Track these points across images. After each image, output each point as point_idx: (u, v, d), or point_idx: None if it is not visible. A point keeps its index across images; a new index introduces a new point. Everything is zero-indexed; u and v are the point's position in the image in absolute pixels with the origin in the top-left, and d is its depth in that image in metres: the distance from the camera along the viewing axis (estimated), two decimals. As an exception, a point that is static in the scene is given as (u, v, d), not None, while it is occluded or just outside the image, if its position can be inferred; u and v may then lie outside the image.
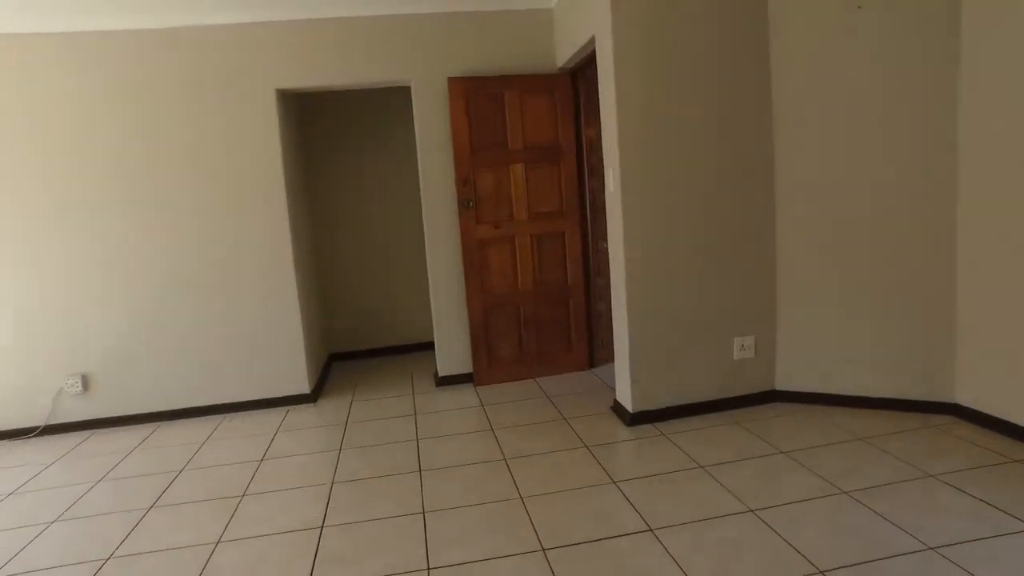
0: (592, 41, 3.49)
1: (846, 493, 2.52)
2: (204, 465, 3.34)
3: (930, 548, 2.14)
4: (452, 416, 3.79)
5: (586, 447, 3.16)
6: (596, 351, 4.53)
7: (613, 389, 3.96)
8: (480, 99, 4.09)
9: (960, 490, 2.49)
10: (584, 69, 4.18)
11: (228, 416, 4.10)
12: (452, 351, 4.37)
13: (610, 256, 3.51)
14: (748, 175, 3.40)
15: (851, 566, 2.07)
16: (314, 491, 2.92)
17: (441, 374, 4.39)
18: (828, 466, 2.77)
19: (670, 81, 3.25)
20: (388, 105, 5.21)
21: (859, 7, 3.10)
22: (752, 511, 2.45)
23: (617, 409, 3.57)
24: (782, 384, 3.57)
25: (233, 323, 4.12)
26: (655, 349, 3.39)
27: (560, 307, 4.38)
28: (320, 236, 5.23)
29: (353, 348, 5.39)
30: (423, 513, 2.64)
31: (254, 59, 3.99)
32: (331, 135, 5.22)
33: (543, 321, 4.35)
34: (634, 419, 3.39)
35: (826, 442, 3.01)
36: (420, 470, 3.05)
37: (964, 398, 3.16)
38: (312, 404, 4.23)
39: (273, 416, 4.03)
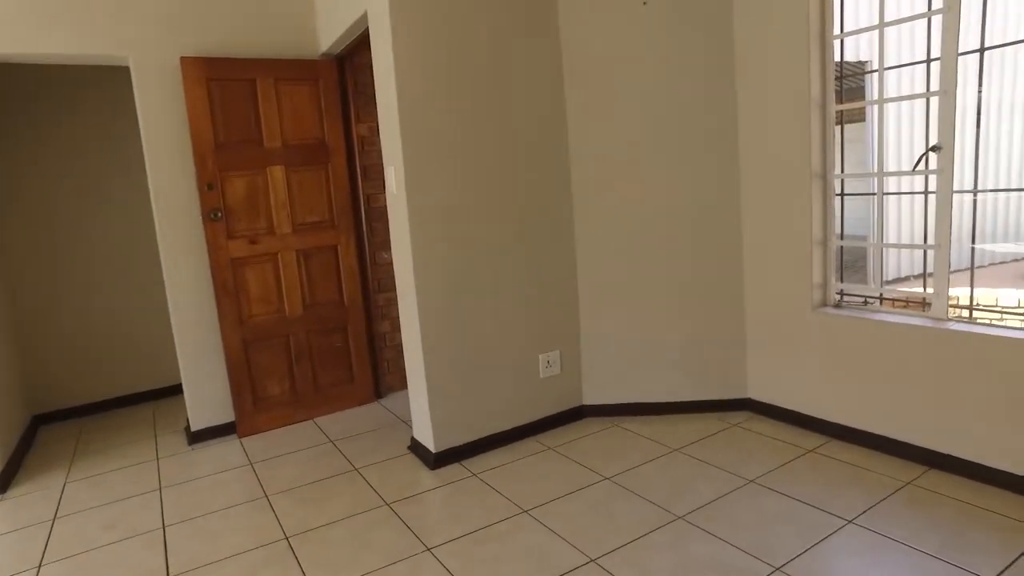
0: (364, 19, 2.95)
1: (682, 519, 2.33)
2: None
3: (778, 568, 2.00)
4: (212, 485, 2.96)
5: (387, 505, 2.61)
6: (383, 378, 3.98)
7: (407, 423, 3.45)
8: (226, 86, 3.30)
9: (782, 494, 2.44)
10: (353, 55, 3.61)
11: None
12: (207, 397, 3.50)
13: (396, 269, 3.00)
14: (546, 176, 3.14)
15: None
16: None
17: (195, 427, 3.49)
18: (655, 488, 2.57)
19: (460, 66, 2.84)
20: (116, 84, 4.09)
21: (644, 3, 3.00)
22: (594, 560, 2.12)
23: (416, 449, 3.08)
24: (590, 398, 3.38)
25: None
26: (455, 375, 2.96)
27: (337, 332, 3.75)
28: (13, 258, 3.91)
29: (72, 403, 4.13)
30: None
31: None
32: (36, 123, 3.93)
33: (318, 350, 3.69)
34: (438, 460, 2.93)
35: (644, 459, 2.84)
36: (166, 576, 2.25)
37: (754, 392, 3.24)
38: (-2, 494, 3.06)
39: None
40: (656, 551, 2.15)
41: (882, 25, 2.68)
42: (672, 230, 3.16)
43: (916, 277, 7.90)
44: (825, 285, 2.96)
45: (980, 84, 2.57)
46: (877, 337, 2.71)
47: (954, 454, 2.49)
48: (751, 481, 2.57)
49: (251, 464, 3.15)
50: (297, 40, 3.53)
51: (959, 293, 3.30)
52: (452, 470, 2.89)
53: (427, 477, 2.84)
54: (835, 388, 2.87)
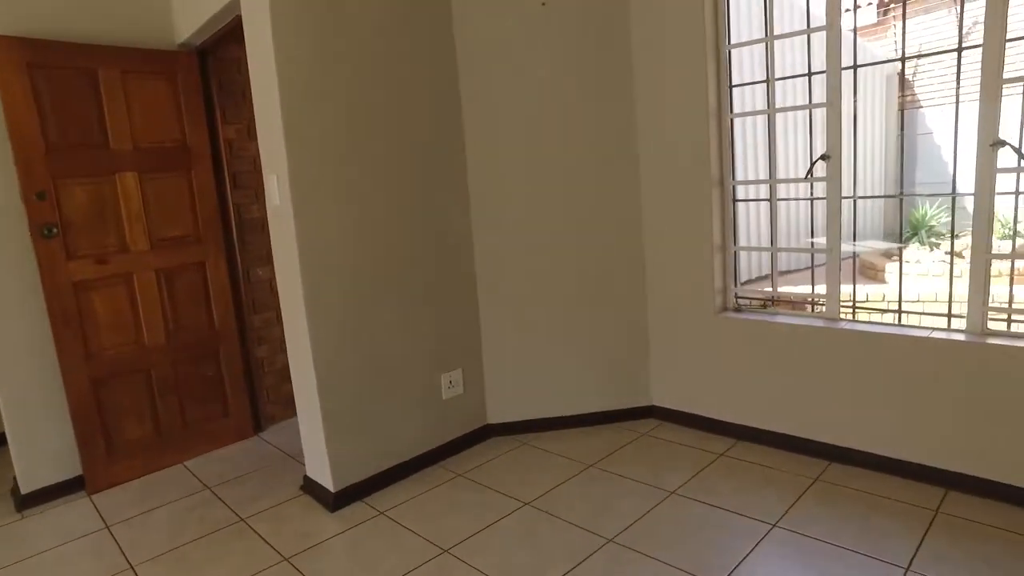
0: (234, 6, 2.59)
1: (613, 541, 2.23)
2: None
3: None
4: (55, 563, 2.43)
5: (286, 560, 2.28)
6: (263, 408, 3.57)
7: (297, 459, 3.10)
8: (58, 76, 2.77)
9: (704, 503, 2.42)
10: (218, 48, 3.20)
11: None
12: (43, 449, 2.91)
13: (280, 287, 2.66)
14: (443, 185, 2.94)
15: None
16: None
17: (26, 489, 2.89)
18: (578, 509, 2.46)
19: (349, 61, 2.57)
20: None
21: (543, 3, 2.90)
22: (531, 602, 1.96)
23: (312, 489, 2.75)
24: (495, 417, 3.21)
25: None
26: (353, 402, 2.67)
27: (208, 360, 3.30)
28: None
29: None
30: None
31: None
32: None
33: (186, 382, 3.22)
34: (339, 499, 2.62)
35: (560, 479, 2.72)
36: None
37: (659, 399, 3.24)
38: None
39: None
40: (595, 581, 2.03)
41: (771, 39, 2.77)
42: (573, 240, 3.08)
43: (763, 278, 8.51)
44: (725, 290, 3.01)
45: (855, 97, 2.73)
46: (777, 338, 2.78)
47: (853, 447, 2.61)
48: (672, 493, 2.53)
49: (108, 527, 2.65)
50: (150, 28, 3.06)
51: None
52: (356, 510, 2.60)
53: (328, 521, 2.53)
54: (739, 390, 2.93)
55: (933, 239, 6.50)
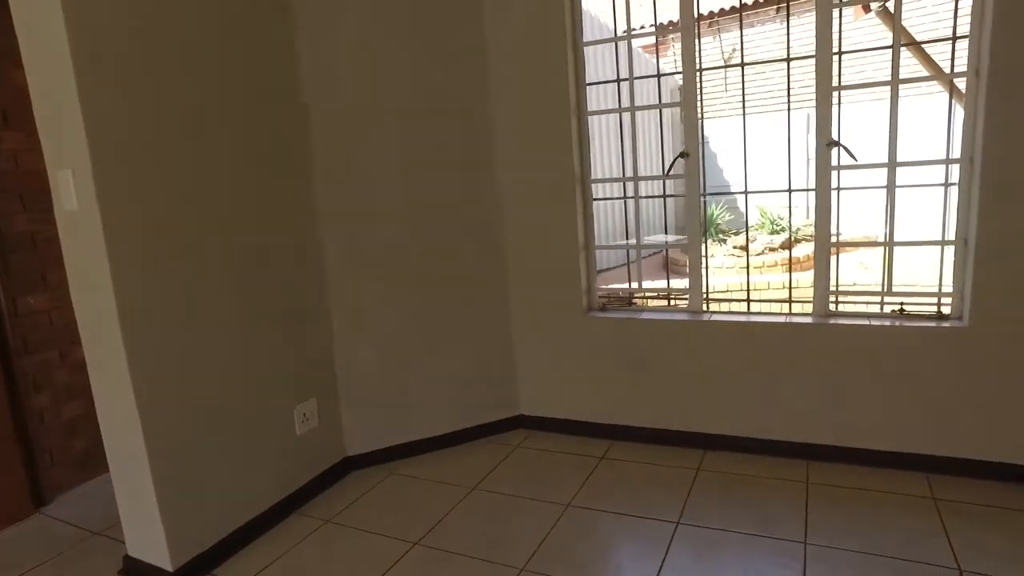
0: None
1: (526, 570, 2.03)
2: None
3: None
4: None
5: (122, 674, 1.74)
6: (44, 475, 2.78)
7: (107, 535, 2.44)
8: None
9: (603, 511, 2.33)
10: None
11: None
12: None
13: (82, 319, 2.06)
14: (286, 186, 2.52)
15: None
16: None
17: None
18: (477, 541, 2.22)
19: (171, 22, 2.06)
20: None
21: None
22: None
23: (138, 571, 2.16)
24: (355, 447, 2.84)
25: None
26: (191, 454, 2.15)
27: (-43, 421, 2.48)
28: None
29: None
30: None
31: None
32: None
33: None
34: (181, 576, 2.10)
35: (445, 508, 2.45)
36: None
37: (527, 408, 3.12)
38: None
39: None
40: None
41: (629, 36, 2.80)
42: (429, 247, 2.83)
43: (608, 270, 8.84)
44: (590, 290, 2.98)
45: (701, 102, 2.86)
46: (646, 335, 2.81)
47: (727, 433, 2.71)
48: (568, 505, 2.41)
49: None
50: None
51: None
52: (204, 588, 2.09)
53: (170, 610, 2.00)
54: (610, 390, 2.91)
55: (720, 235, 7.29)
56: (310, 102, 2.57)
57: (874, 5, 5.33)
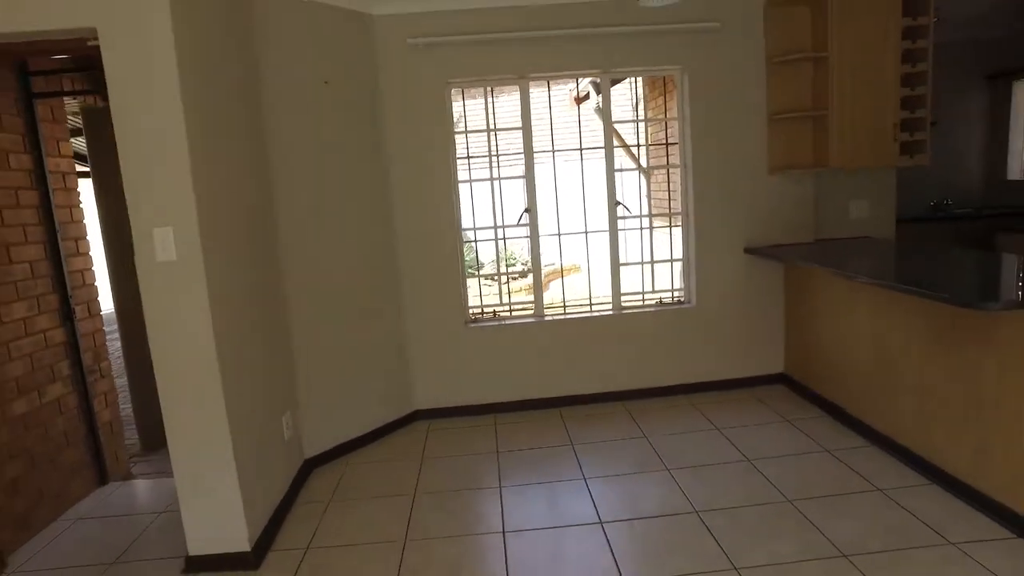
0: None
1: (499, 487, 3.04)
2: None
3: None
4: None
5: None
6: (-17, 540, 2.67)
7: None
8: None
9: (516, 450, 3.44)
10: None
11: None
12: None
13: (164, 358, 2.40)
14: (268, 238, 3.09)
15: None
16: None
17: None
18: (451, 481, 3.13)
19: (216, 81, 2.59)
20: None
21: (326, 82, 3.38)
22: None
23: (202, 566, 2.52)
24: (309, 451, 3.40)
25: None
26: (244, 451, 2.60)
27: None
28: None
29: None
30: None
31: None
32: None
33: None
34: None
35: (414, 473, 3.27)
36: None
37: (423, 403, 4.03)
38: None
39: None
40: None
41: (495, 130, 4.01)
42: (352, 290, 3.62)
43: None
44: (466, 308, 4.06)
45: (555, 169, 4.15)
46: (511, 336, 4.02)
47: (579, 392, 4.06)
48: (497, 452, 3.44)
49: None
50: None
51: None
52: None
53: None
54: (491, 378, 4.02)
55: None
56: (275, 182, 3.20)
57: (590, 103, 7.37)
